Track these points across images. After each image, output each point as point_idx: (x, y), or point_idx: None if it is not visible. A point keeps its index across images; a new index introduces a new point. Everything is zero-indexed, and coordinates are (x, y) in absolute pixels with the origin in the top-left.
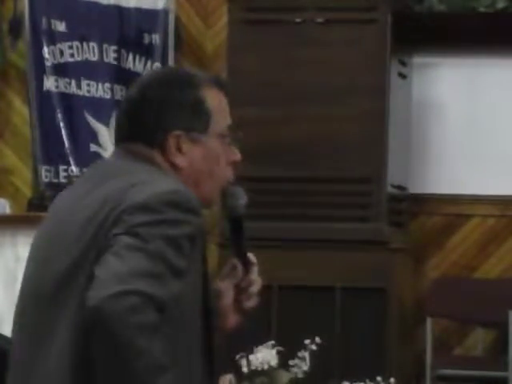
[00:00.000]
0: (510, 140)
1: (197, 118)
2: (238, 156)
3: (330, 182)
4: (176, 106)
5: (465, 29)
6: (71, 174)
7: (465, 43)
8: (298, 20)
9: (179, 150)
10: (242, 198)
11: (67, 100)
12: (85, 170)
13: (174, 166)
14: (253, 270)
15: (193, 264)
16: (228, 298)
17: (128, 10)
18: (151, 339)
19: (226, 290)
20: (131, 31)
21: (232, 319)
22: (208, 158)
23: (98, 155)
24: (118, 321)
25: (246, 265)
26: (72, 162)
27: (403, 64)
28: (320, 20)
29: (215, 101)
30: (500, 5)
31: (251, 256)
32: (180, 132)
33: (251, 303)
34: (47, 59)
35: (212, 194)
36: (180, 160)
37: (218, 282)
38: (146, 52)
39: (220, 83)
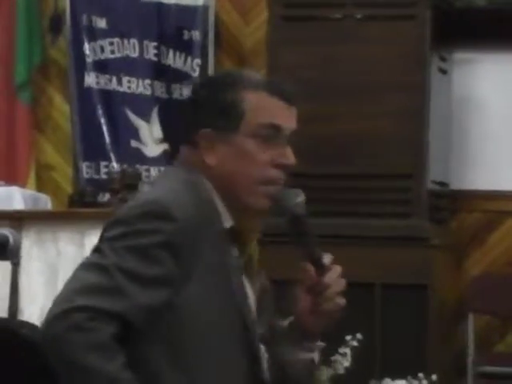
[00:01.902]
0: None
1: (227, 118)
2: (284, 158)
3: (370, 179)
4: (209, 106)
5: (506, 23)
6: (112, 169)
7: (506, 38)
8: (337, 16)
9: (210, 148)
10: (298, 197)
11: (108, 96)
12: (125, 165)
13: (206, 165)
14: (327, 272)
15: (194, 273)
16: (304, 301)
17: (168, 6)
18: (99, 355)
19: (301, 293)
20: (171, 28)
21: (314, 323)
22: (239, 157)
23: (138, 151)
24: (60, 341)
25: (319, 267)
26: (113, 158)
27: (443, 59)
28: (359, 16)
29: (253, 102)
30: None
31: (326, 258)
32: (209, 130)
33: (330, 306)
34: (88, 56)
35: (250, 195)
36: (210, 159)
37: (296, 286)
38: (186, 48)
39: (270, 87)
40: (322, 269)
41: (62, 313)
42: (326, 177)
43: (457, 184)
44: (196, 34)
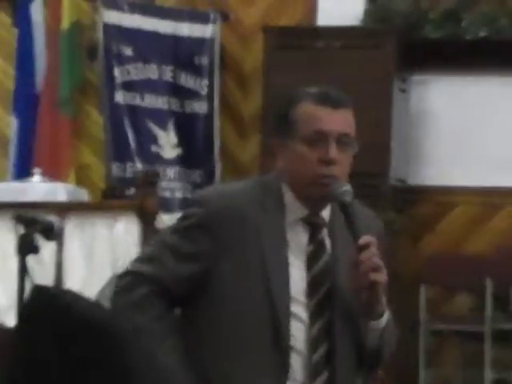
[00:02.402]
0: (490, 143)
1: (284, 128)
2: (329, 154)
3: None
4: (276, 119)
5: (454, 52)
6: (136, 169)
7: (454, 64)
8: (320, 45)
9: (278, 153)
10: (344, 187)
11: (133, 110)
12: (146, 166)
13: (278, 168)
14: (363, 251)
15: (236, 253)
16: (352, 278)
17: (182, 37)
18: (134, 312)
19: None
20: (184, 55)
21: (361, 297)
22: (296, 158)
23: (157, 154)
24: (110, 300)
25: (357, 246)
26: (137, 160)
27: (404, 80)
28: (338, 45)
29: (302, 113)
30: (481, 34)
31: (363, 238)
32: (275, 139)
33: (364, 280)
34: (117, 77)
35: (307, 187)
36: (279, 162)
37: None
38: (196, 71)
39: (316, 97)
40: (359, 247)
41: (117, 276)
42: None
43: (414, 180)
44: (204, 60)
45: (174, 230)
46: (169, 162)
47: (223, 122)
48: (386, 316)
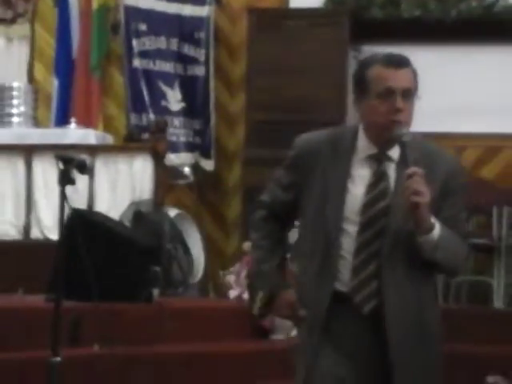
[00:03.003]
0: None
1: (360, 89)
2: (396, 105)
3: (308, 124)
4: (354, 82)
5: (395, 28)
6: (149, 119)
7: (395, 37)
8: (291, 24)
9: (357, 108)
10: (404, 130)
11: (147, 73)
12: (157, 116)
13: (359, 118)
14: (408, 179)
15: (312, 181)
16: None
17: (185, 16)
18: (252, 230)
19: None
20: (187, 30)
21: (410, 214)
22: (370, 111)
23: (166, 107)
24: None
25: (406, 175)
26: (150, 111)
27: (356, 50)
28: (304, 24)
29: (374, 73)
30: (415, 14)
31: (410, 169)
32: (355, 97)
33: (408, 202)
34: (134, 48)
35: (378, 130)
36: (359, 114)
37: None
38: (196, 43)
39: (383, 59)
40: (407, 176)
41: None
42: (283, 122)
43: None
44: (202, 34)
45: (280, 167)
46: (175, 114)
47: (216, 82)
48: (438, 231)
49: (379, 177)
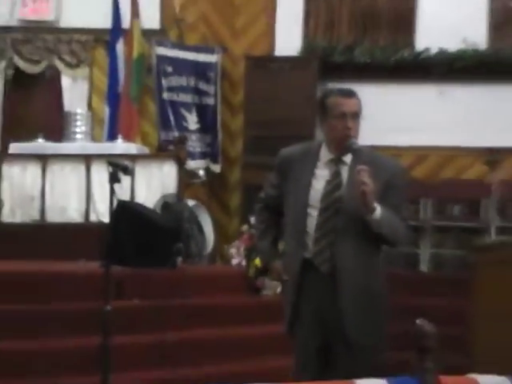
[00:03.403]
0: (381, 120)
1: (322, 111)
2: (347, 124)
3: (287, 140)
4: (318, 108)
5: (351, 69)
6: (174, 135)
7: (351, 76)
8: (274, 67)
9: (321, 127)
10: (353, 141)
11: (172, 103)
12: (180, 133)
13: (323, 134)
14: (357, 175)
15: (291, 184)
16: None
17: (199, 62)
18: (255, 217)
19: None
20: (201, 71)
21: (359, 199)
22: (329, 128)
23: (186, 127)
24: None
25: (356, 171)
26: (174, 129)
27: (323, 85)
28: (287, 67)
29: (332, 102)
30: (366, 60)
31: (358, 167)
32: (319, 118)
33: (358, 190)
34: (163, 84)
35: (336, 141)
36: (322, 131)
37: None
38: (208, 80)
39: (337, 92)
40: (356, 171)
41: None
42: (271, 137)
43: None
44: (212, 74)
45: (271, 172)
46: (192, 131)
47: (222, 108)
48: (380, 212)
49: (335, 175)
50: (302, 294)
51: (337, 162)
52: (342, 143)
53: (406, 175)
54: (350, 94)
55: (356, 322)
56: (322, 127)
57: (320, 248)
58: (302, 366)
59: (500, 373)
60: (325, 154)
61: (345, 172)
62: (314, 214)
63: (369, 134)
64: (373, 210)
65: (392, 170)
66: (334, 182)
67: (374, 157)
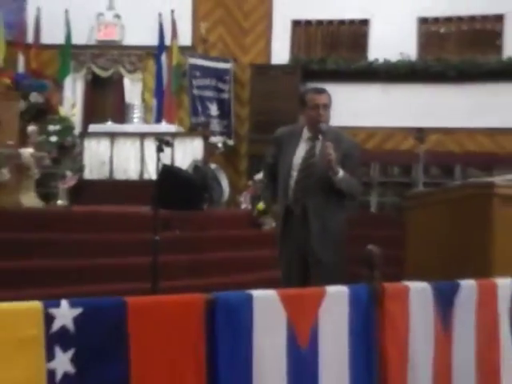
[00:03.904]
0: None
1: (302, 105)
2: (317, 113)
3: (279, 123)
4: (299, 101)
5: (324, 75)
6: (201, 120)
7: (325, 80)
8: (273, 74)
9: (302, 115)
10: (323, 124)
11: (200, 97)
12: (205, 119)
13: (303, 119)
14: (325, 148)
15: (282, 154)
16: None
17: (218, 68)
18: (262, 176)
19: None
20: (219, 75)
21: (327, 164)
22: (307, 115)
23: (209, 114)
24: None
25: (324, 145)
26: (201, 116)
27: (304, 86)
28: (279, 73)
29: (309, 97)
30: (333, 67)
31: (326, 143)
32: (300, 109)
33: (325, 158)
34: (194, 84)
35: (310, 126)
36: (303, 117)
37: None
38: (224, 82)
39: (312, 90)
40: (324, 146)
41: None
42: (268, 121)
43: None
44: (228, 77)
45: (270, 146)
46: (213, 117)
47: (234, 101)
48: (341, 174)
49: (311, 148)
50: (285, 228)
51: (312, 139)
52: (315, 126)
53: (359, 148)
54: (321, 91)
55: (321, 247)
56: (302, 114)
57: (297, 198)
58: (286, 278)
59: (423, 280)
60: (305, 133)
61: (318, 146)
62: (295, 174)
63: (336, 118)
64: (336, 172)
65: (349, 144)
66: (310, 153)
67: (338, 134)
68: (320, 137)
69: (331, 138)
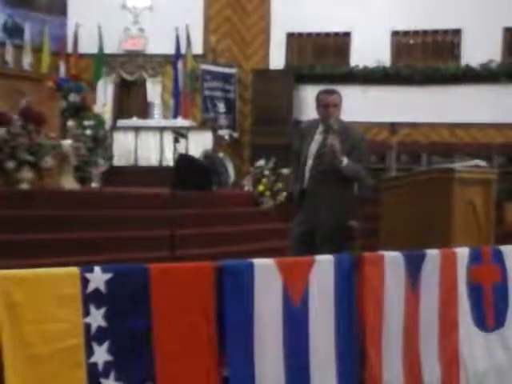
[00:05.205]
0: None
1: (317, 103)
2: (327, 111)
3: (277, 120)
4: (316, 101)
5: (315, 79)
6: (210, 116)
7: (315, 83)
8: (271, 75)
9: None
10: (331, 120)
11: (210, 96)
12: (214, 114)
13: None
14: (331, 140)
15: (303, 143)
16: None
17: (225, 72)
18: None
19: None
20: (226, 78)
21: (333, 153)
22: (320, 112)
23: (217, 110)
24: None
25: (329, 138)
26: (211, 111)
27: (297, 90)
28: (276, 75)
29: (321, 97)
30: (321, 71)
31: (332, 136)
32: (316, 106)
33: (331, 148)
34: (205, 85)
35: (322, 122)
36: (317, 114)
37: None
38: (230, 83)
39: (324, 92)
40: (329, 138)
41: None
42: (269, 118)
43: None
44: (233, 80)
45: (295, 138)
46: (221, 113)
47: (239, 100)
48: (346, 162)
49: (323, 140)
50: (300, 207)
51: (325, 132)
52: (327, 121)
53: (365, 140)
54: (331, 92)
55: (327, 224)
56: (317, 111)
57: (312, 182)
58: (291, 248)
59: (396, 249)
60: (320, 127)
61: (330, 138)
62: (310, 162)
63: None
64: (341, 161)
65: (356, 136)
66: (322, 144)
67: (346, 128)
68: (330, 131)
69: (340, 131)
